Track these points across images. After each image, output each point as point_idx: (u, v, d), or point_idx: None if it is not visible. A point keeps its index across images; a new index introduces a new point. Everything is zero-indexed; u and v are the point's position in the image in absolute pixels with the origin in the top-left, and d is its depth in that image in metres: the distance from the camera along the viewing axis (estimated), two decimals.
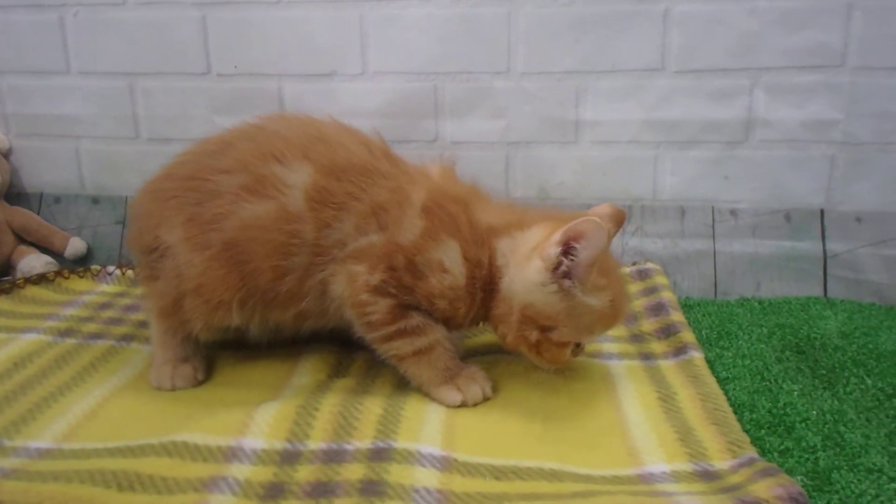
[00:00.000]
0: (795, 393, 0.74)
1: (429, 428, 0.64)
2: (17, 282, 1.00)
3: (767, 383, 0.76)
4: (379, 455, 0.59)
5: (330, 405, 0.66)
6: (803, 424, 0.68)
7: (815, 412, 0.70)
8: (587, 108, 1.02)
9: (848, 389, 0.75)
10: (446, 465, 0.58)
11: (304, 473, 0.57)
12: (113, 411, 0.69)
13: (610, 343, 0.85)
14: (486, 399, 0.71)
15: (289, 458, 0.59)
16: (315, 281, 0.69)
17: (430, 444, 0.61)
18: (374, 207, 0.68)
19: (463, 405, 0.69)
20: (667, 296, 0.92)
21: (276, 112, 0.75)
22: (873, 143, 0.97)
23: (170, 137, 1.08)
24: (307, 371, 0.77)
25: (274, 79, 1.04)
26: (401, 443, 0.61)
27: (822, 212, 1.01)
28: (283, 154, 0.69)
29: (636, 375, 0.76)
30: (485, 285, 0.69)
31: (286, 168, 0.68)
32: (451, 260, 0.67)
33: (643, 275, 0.99)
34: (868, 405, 0.72)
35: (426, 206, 0.68)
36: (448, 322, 0.70)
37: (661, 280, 0.97)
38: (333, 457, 0.59)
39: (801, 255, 1.01)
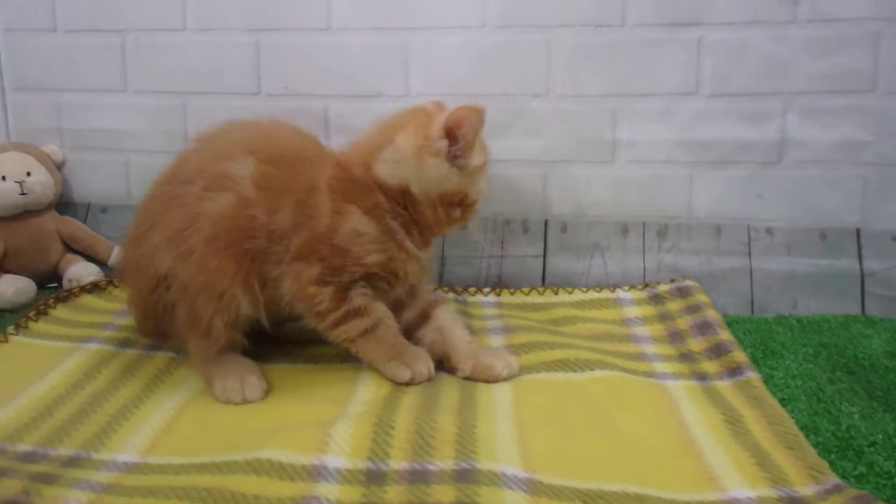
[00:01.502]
0: (856, 415, 0.73)
1: (504, 447, 0.64)
2: (73, 290, 1.02)
3: (825, 405, 0.75)
4: (465, 476, 0.59)
5: (404, 423, 0.66)
6: (872, 448, 0.67)
7: (880, 435, 0.69)
8: (623, 129, 1.05)
9: None
10: (532, 488, 0.58)
11: (394, 494, 0.57)
12: (187, 425, 0.70)
13: (661, 362, 0.84)
14: (430, 379, 0.77)
15: (374, 477, 0.59)
16: (274, 272, 0.76)
17: (511, 465, 0.61)
18: (297, 203, 0.76)
19: (411, 382, 0.76)
20: (711, 314, 0.93)
21: (224, 121, 0.84)
22: None
23: None
24: (370, 386, 0.78)
25: (320, 99, 1.09)
26: (483, 463, 0.60)
27: (857, 230, 1.03)
28: (230, 153, 0.77)
29: (695, 396, 0.76)
30: (396, 212, 0.79)
31: (234, 163, 0.76)
32: (360, 222, 0.77)
33: (683, 292, 1.00)
34: None
35: (329, 185, 0.78)
36: (396, 272, 0.79)
37: (702, 298, 0.97)
38: (419, 477, 0.59)
39: (837, 273, 1.02)
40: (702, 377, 0.80)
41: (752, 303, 1.04)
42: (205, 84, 1.11)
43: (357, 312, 0.77)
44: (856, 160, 1.01)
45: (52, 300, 0.99)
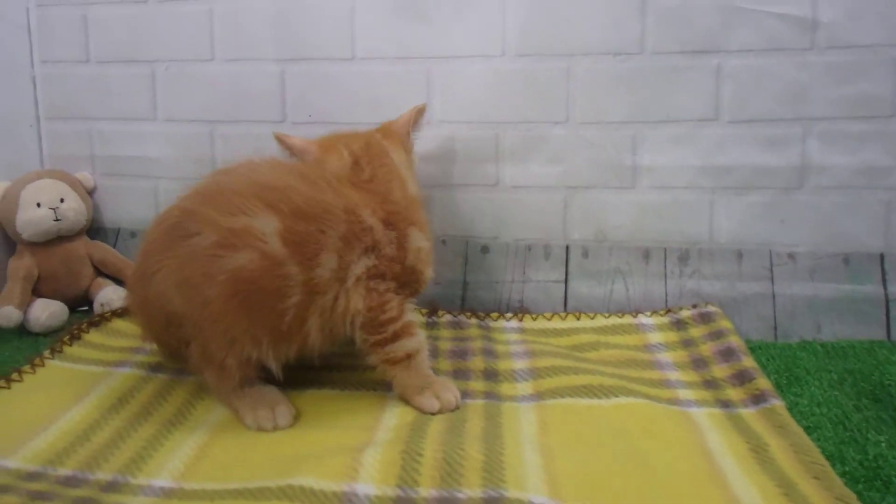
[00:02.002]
0: (883, 444, 0.72)
1: (532, 475, 0.65)
2: (105, 314, 1.05)
3: (851, 433, 0.75)
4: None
5: (431, 450, 0.67)
6: None
7: None
8: (644, 155, 1.06)
9: None
10: None
11: None
12: (220, 452, 0.72)
13: (685, 389, 0.84)
14: (457, 408, 0.78)
15: None
16: (318, 313, 0.76)
17: (539, 493, 0.61)
18: (341, 238, 0.77)
19: (439, 412, 0.78)
20: (734, 340, 0.93)
21: (216, 170, 0.87)
22: None
23: None
24: (395, 412, 0.79)
25: (345, 127, 1.10)
26: (511, 491, 0.61)
27: (881, 255, 1.02)
28: (243, 205, 0.75)
29: (720, 424, 0.75)
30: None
31: (254, 218, 0.75)
32: (419, 239, 0.85)
33: (705, 318, 1.00)
34: None
35: (385, 220, 0.82)
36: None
37: (725, 324, 0.97)
38: None
39: (861, 298, 1.02)
40: (726, 404, 0.80)
41: (776, 328, 1.03)
42: (232, 112, 1.14)
43: (409, 330, 0.80)
44: (878, 185, 1.01)
45: (85, 324, 1.01)
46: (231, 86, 1.13)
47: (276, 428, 0.75)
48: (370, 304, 0.78)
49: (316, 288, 0.75)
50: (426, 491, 0.62)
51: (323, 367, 0.87)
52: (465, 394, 0.82)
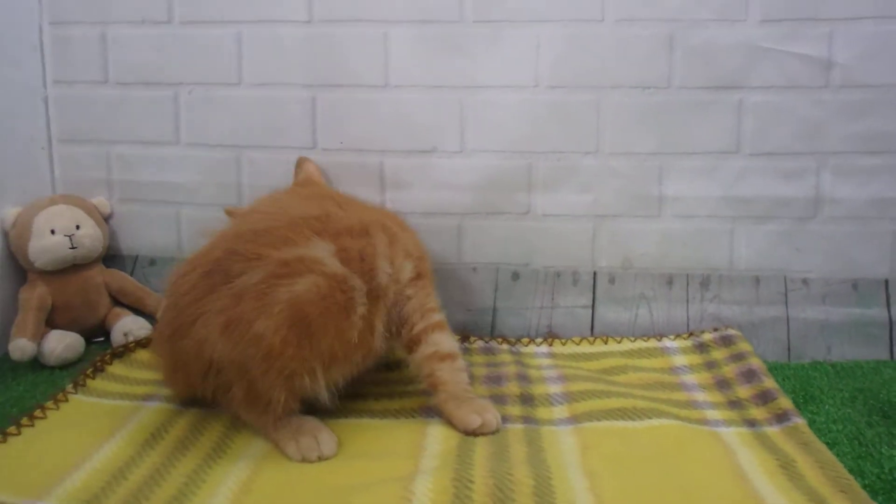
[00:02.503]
0: None
1: (580, 498, 0.67)
2: (129, 345, 1.02)
3: (866, 448, 0.80)
4: None
5: (481, 476, 0.69)
6: None
7: None
8: (669, 185, 1.10)
9: None
10: None
11: None
12: (265, 484, 0.71)
13: (712, 410, 0.88)
14: (497, 430, 0.80)
15: None
16: (383, 315, 0.81)
17: None
18: (387, 246, 0.84)
19: (480, 429, 0.79)
20: (755, 362, 0.97)
21: (235, 209, 0.93)
22: None
23: None
24: (438, 438, 0.80)
25: (376, 154, 1.11)
26: None
27: (886, 281, 1.09)
28: (287, 237, 0.77)
29: (748, 442, 0.79)
30: None
31: (306, 248, 0.77)
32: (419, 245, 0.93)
33: (727, 341, 1.05)
34: None
35: (401, 229, 0.90)
36: None
37: (745, 346, 1.02)
38: None
39: (868, 322, 1.09)
40: (752, 423, 0.84)
41: (790, 350, 1.09)
42: (260, 138, 1.12)
43: (446, 325, 0.88)
44: (885, 215, 1.08)
45: (108, 356, 0.99)
46: (259, 111, 1.12)
47: (320, 457, 0.75)
48: (419, 301, 0.85)
49: (378, 293, 0.81)
50: None
51: (357, 395, 0.88)
52: (503, 419, 0.84)
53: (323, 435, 0.77)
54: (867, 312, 1.09)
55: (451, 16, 1.08)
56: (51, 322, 1.06)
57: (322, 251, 0.78)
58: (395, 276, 0.84)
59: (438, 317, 0.87)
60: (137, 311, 1.13)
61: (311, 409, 0.80)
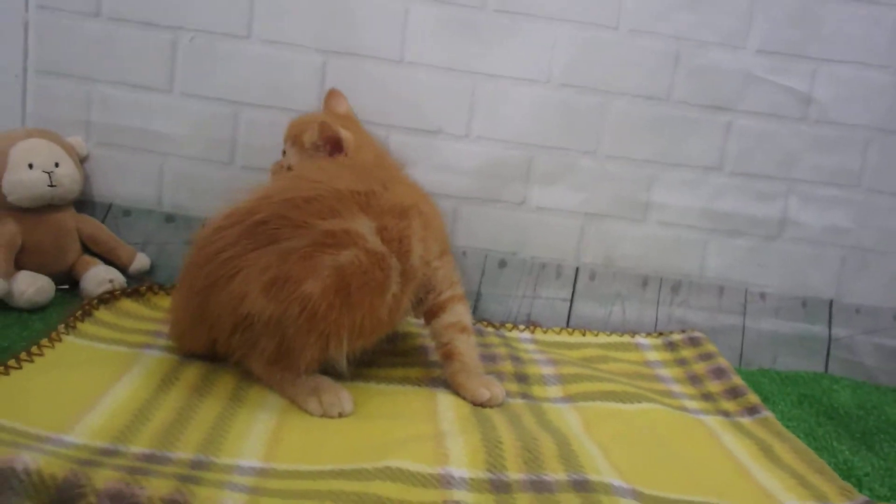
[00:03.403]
0: (846, 451, 0.87)
1: (601, 463, 0.71)
2: (114, 293, 0.97)
3: (821, 442, 0.89)
4: (583, 486, 0.65)
5: (509, 439, 0.72)
6: (868, 477, 0.81)
7: (870, 468, 0.84)
8: (657, 193, 1.16)
9: (885, 451, 0.90)
10: (640, 497, 0.65)
11: (524, 501, 0.61)
12: (293, 435, 0.71)
13: (688, 400, 0.95)
14: (500, 404, 0.84)
15: (500, 487, 0.64)
16: (410, 295, 0.83)
17: (614, 478, 0.67)
18: (422, 228, 0.85)
19: (489, 402, 0.83)
20: (723, 362, 1.05)
21: (280, 170, 0.92)
22: (876, 250, 1.20)
23: (265, 167, 1.08)
24: (449, 405, 0.82)
25: (382, 128, 1.10)
26: (592, 476, 0.67)
27: (830, 302, 1.21)
28: (334, 209, 0.78)
29: (728, 429, 0.87)
30: None
31: (351, 221, 0.78)
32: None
33: (694, 342, 1.13)
34: None
35: (424, 220, 0.87)
36: None
37: (711, 348, 1.10)
38: (542, 487, 0.64)
39: (811, 337, 1.20)
40: (726, 414, 0.92)
41: (741, 356, 1.19)
42: (262, 96, 1.08)
43: (464, 299, 0.91)
44: (837, 243, 1.20)
45: (94, 301, 0.94)
46: (266, 69, 1.07)
47: (341, 414, 0.76)
48: (444, 275, 0.88)
49: (410, 275, 0.82)
50: (515, 475, 0.65)
51: (361, 362, 0.87)
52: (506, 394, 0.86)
53: (343, 393, 0.78)
54: (811, 328, 1.21)
55: (474, 1, 1.08)
56: (18, 263, 0.98)
57: (365, 227, 0.78)
58: (425, 257, 0.85)
59: (461, 290, 0.90)
60: (108, 262, 1.06)
61: (324, 373, 0.80)
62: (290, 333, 0.75)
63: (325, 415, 0.76)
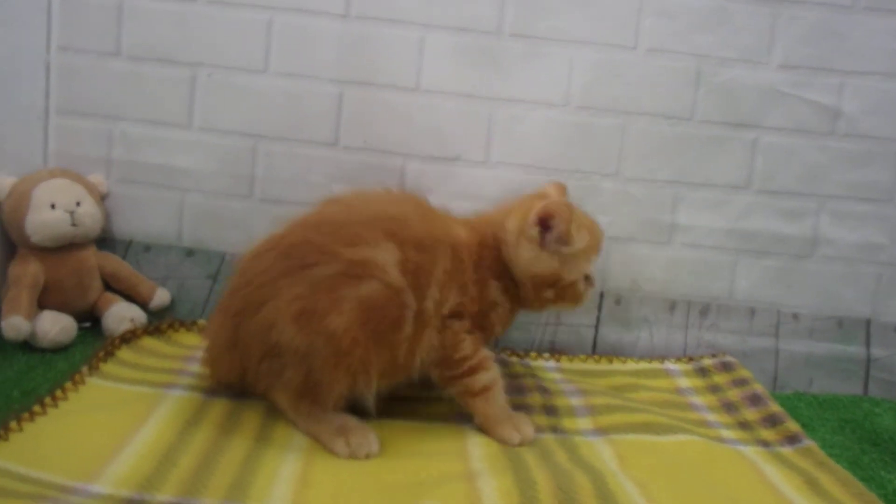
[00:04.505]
0: None
1: (637, 500, 0.68)
2: (136, 331, 0.97)
3: (867, 472, 0.85)
4: None
5: (543, 480, 0.69)
6: None
7: None
8: (681, 214, 1.14)
9: None
10: None
11: None
12: (323, 479, 0.69)
13: (725, 430, 0.91)
14: (531, 443, 0.80)
15: None
16: (423, 344, 0.79)
17: None
18: (444, 272, 0.80)
19: (520, 444, 0.80)
20: (758, 387, 1.01)
21: (325, 198, 0.87)
22: None
23: (284, 199, 1.09)
24: (478, 442, 0.79)
25: (399, 157, 1.09)
26: None
27: (868, 321, 1.17)
28: (364, 236, 0.77)
29: (769, 460, 0.83)
30: (507, 286, 0.87)
31: (375, 249, 0.76)
32: (497, 295, 0.86)
33: (727, 367, 1.09)
34: None
35: (472, 258, 0.83)
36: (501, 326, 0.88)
37: (745, 373, 1.06)
38: None
39: (848, 358, 1.16)
40: (765, 444, 0.87)
41: (776, 380, 1.15)
42: (279, 129, 1.08)
43: (483, 365, 0.82)
44: (872, 260, 1.16)
45: (116, 340, 0.94)
46: (283, 101, 1.07)
47: (368, 455, 0.74)
48: (444, 342, 0.80)
49: (424, 319, 0.78)
50: None
51: (390, 398, 0.86)
52: (535, 428, 0.84)
53: (370, 434, 0.76)
54: (848, 349, 1.16)
55: (490, 27, 1.07)
56: (40, 302, 0.98)
57: (387, 257, 0.76)
58: (438, 307, 0.80)
59: (472, 363, 0.82)
60: (129, 298, 1.06)
61: (349, 410, 0.79)
62: (317, 366, 0.74)
63: (352, 456, 0.74)
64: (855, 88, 1.11)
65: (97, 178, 1.07)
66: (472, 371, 0.81)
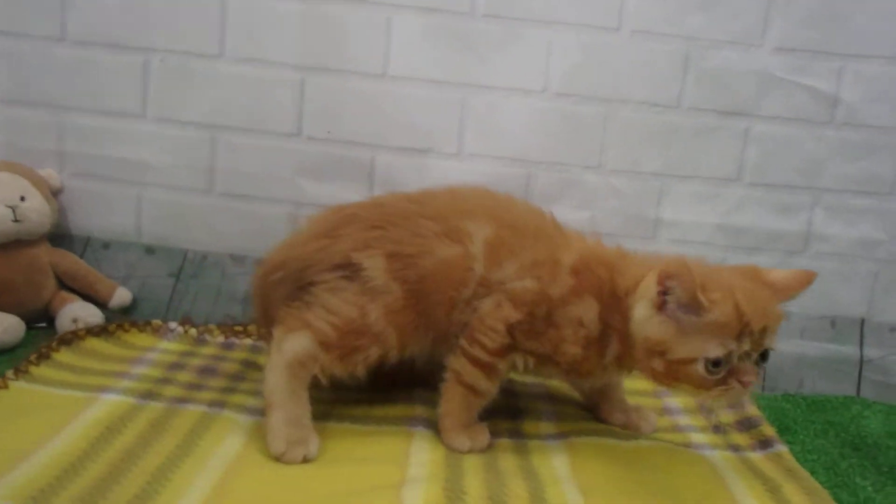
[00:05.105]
0: (869, 488, 0.80)
1: None
2: (78, 332, 0.92)
3: (842, 478, 0.82)
4: None
5: (475, 488, 0.67)
6: None
7: None
8: (667, 208, 1.08)
9: None
10: None
11: None
12: (242, 488, 0.65)
13: (696, 433, 0.88)
14: (481, 451, 0.78)
15: None
16: (468, 311, 0.78)
17: None
18: (534, 261, 0.78)
19: (468, 453, 0.77)
20: None
21: (462, 184, 0.87)
22: None
23: (247, 194, 1.04)
24: (424, 447, 0.76)
25: (367, 148, 1.03)
26: None
27: (862, 320, 1.12)
28: (473, 213, 0.80)
29: (735, 466, 0.80)
30: (622, 338, 0.76)
31: (473, 223, 0.79)
32: (588, 317, 0.77)
33: None
34: None
35: (576, 267, 0.77)
36: (578, 369, 0.78)
37: None
38: None
39: (841, 358, 1.11)
40: (735, 448, 0.85)
41: (765, 381, 1.10)
42: (238, 119, 1.02)
43: (493, 372, 0.78)
44: (869, 256, 1.10)
45: (54, 342, 0.89)
46: (241, 89, 1.01)
47: (305, 459, 0.71)
48: (486, 320, 0.77)
49: (486, 286, 0.78)
50: None
51: (338, 401, 0.83)
52: (492, 432, 0.80)
53: (313, 437, 0.73)
54: (841, 349, 1.11)
55: (462, 6, 1.00)
56: None
57: (481, 231, 0.80)
58: (496, 278, 0.78)
59: (483, 356, 0.78)
60: (87, 298, 1.02)
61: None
62: (373, 312, 0.76)
63: (282, 455, 0.70)
64: (855, 74, 1.03)
65: (49, 171, 1.02)
66: (476, 364, 0.78)
